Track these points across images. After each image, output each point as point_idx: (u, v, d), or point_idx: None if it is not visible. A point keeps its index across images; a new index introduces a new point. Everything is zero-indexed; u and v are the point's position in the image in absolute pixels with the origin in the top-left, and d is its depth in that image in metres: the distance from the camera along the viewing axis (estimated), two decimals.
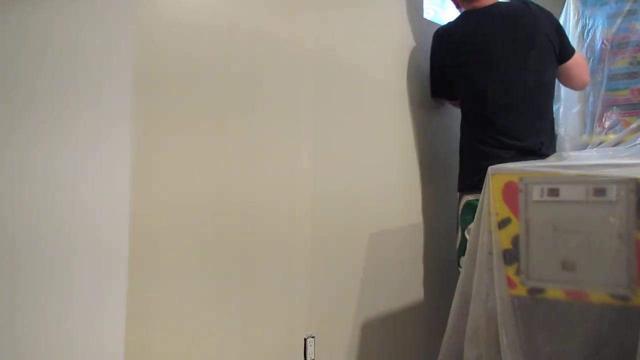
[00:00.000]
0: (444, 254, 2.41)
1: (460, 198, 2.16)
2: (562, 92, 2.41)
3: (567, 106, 2.42)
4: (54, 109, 1.55)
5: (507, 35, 2.14)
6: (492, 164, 1.73)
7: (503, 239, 1.68)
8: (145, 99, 1.44)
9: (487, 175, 1.74)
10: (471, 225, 1.83)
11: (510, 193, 1.68)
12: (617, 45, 2.30)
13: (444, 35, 2.24)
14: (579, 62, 2.23)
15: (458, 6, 2.33)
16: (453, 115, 2.46)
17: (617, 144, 2.13)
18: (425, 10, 2.43)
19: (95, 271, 1.45)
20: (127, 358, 1.38)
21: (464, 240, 2.05)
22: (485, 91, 2.11)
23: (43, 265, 1.54)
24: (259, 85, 1.71)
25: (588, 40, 2.35)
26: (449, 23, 2.29)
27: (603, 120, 2.32)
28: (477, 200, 1.75)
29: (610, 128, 2.30)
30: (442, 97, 2.35)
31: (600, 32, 2.33)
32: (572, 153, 2.00)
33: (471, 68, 2.15)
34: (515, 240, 1.67)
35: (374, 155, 2.10)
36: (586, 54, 2.36)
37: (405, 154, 2.25)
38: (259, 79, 1.71)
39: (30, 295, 1.58)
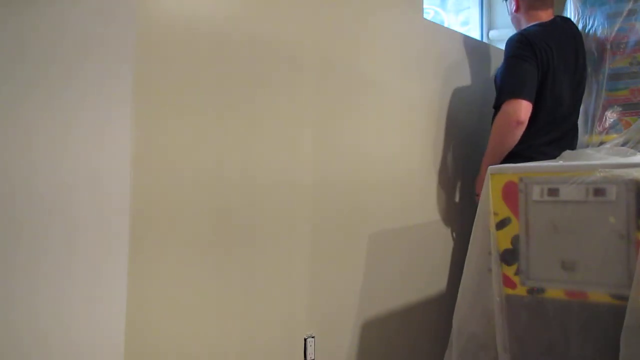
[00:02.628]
0: (446, 254, 2.42)
1: None
2: None
3: None
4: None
5: (576, 49, 2.28)
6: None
7: (503, 239, 1.68)
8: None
9: (487, 176, 1.75)
10: None
11: (510, 193, 1.68)
12: (617, 45, 2.29)
13: (530, 38, 2.22)
14: None
15: (517, 9, 2.37)
16: (454, 114, 2.46)
17: (617, 144, 2.13)
18: (425, 11, 2.43)
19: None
20: (127, 347, 1.39)
21: None
22: (562, 96, 2.22)
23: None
24: (260, 77, 1.72)
25: (589, 40, 2.35)
26: (531, 29, 2.27)
27: (603, 120, 2.32)
28: None
29: (611, 128, 2.30)
30: (530, 96, 2.15)
31: (600, 31, 2.32)
32: (576, 152, 2.02)
33: (555, 72, 2.20)
34: (515, 240, 1.67)
35: (372, 153, 2.10)
36: (586, 53, 2.36)
37: (407, 152, 2.25)
38: (260, 74, 1.72)
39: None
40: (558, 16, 2.36)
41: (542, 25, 2.28)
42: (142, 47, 1.44)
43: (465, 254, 1.87)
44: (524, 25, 2.33)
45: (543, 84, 2.18)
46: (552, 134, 2.22)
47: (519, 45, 2.20)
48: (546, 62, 2.18)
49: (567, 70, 2.23)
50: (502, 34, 2.96)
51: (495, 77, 2.36)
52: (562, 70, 2.21)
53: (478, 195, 2.28)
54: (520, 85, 2.14)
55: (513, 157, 2.14)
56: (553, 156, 2.08)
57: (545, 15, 2.31)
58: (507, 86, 2.18)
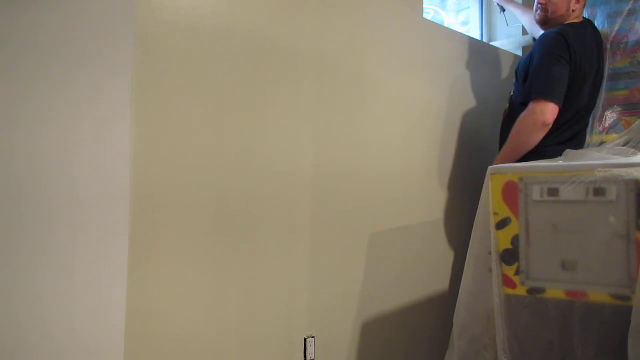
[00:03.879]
0: (447, 253, 2.41)
1: None
2: None
3: None
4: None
5: (599, 53, 2.26)
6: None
7: (503, 239, 1.68)
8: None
9: (487, 176, 1.74)
10: None
11: (510, 193, 1.68)
12: (617, 45, 2.29)
13: (568, 38, 2.18)
14: None
15: (545, 11, 2.31)
16: (454, 113, 2.46)
17: (618, 144, 2.13)
18: (425, 11, 2.43)
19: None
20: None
21: None
22: (583, 99, 2.21)
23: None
24: (260, 74, 1.72)
25: None
26: (567, 29, 2.21)
27: (604, 120, 2.32)
28: None
29: (611, 128, 2.30)
30: (559, 99, 2.14)
31: (600, 31, 2.32)
32: (576, 152, 2.02)
33: (584, 75, 2.19)
34: (515, 240, 1.67)
35: (372, 152, 2.10)
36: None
37: (407, 152, 2.25)
38: (260, 71, 1.72)
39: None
40: (586, 19, 2.33)
41: (575, 27, 2.24)
42: (142, 43, 1.44)
43: (466, 254, 1.86)
44: (564, 19, 2.27)
45: (571, 85, 2.16)
46: (567, 133, 2.22)
47: (556, 44, 2.16)
48: (578, 64, 2.16)
49: (591, 74, 2.22)
50: (502, 44, 2.95)
51: (518, 69, 2.32)
52: (588, 74, 2.20)
53: None
54: (553, 87, 2.12)
55: (528, 153, 2.13)
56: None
57: (577, 18, 2.28)
58: (539, 85, 2.14)
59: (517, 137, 2.16)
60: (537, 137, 2.13)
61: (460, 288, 1.84)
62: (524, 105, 2.17)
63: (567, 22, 2.26)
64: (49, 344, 1.56)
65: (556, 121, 2.15)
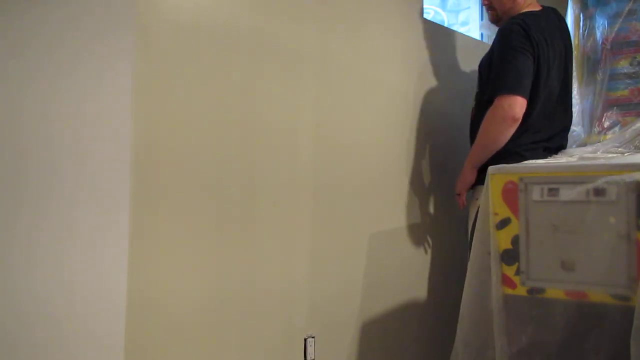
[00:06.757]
0: (446, 254, 2.42)
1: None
2: None
3: None
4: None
5: (564, 43, 2.19)
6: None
7: (503, 239, 1.68)
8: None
9: (487, 176, 1.74)
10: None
11: (510, 193, 1.68)
12: (617, 45, 2.29)
13: (527, 29, 2.08)
14: None
15: (496, 11, 2.26)
16: (454, 113, 2.47)
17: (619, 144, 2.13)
18: (425, 11, 2.43)
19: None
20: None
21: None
22: (553, 92, 2.13)
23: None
24: (260, 70, 1.72)
25: (589, 40, 2.35)
26: (526, 19, 2.11)
27: (603, 120, 2.32)
28: None
29: (610, 128, 2.30)
30: (526, 92, 2.05)
31: (600, 32, 2.32)
32: (575, 150, 2.01)
33: (549, 66, 2.11)
34: (515, 240, 1.67)
35: (372, 153, 2.10)
36: (587, 53, 2.36)
37: (407, 152, 2.25)
38: (260, 67, 1.72)
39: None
40: (549, 7, 2.24)
41: (535, 15, 2.15)
42: (142, 30, 1.45)
43: (466, 253, 1.86)
44: (514, 11, 2.19)
45: (537, 78, 2.07)
46: (543, 131, 2.11)
47: (517, 36, 2.07)
48: (542, 55, 2.07)
49: (559, 65, 2.14)
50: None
51: (481, 65, 2.23)
52: (555, 65, 2.12)
53: (459, 194, 2.19)
54: (518, 81, 2.03)
55: (502, 155, 2.04)
56: (542, 154, 2.02)
57: (533, 6, 2.19)
58: (503, 80, 2.05)
59: (485, 135, 2.08)
60: (507, 133, 2.04)
61: (464, 290, 1.83)
62: (490, 102, 2.07)
63: (523, 11, 2.17)
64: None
65: (528, 117, 2.06)
